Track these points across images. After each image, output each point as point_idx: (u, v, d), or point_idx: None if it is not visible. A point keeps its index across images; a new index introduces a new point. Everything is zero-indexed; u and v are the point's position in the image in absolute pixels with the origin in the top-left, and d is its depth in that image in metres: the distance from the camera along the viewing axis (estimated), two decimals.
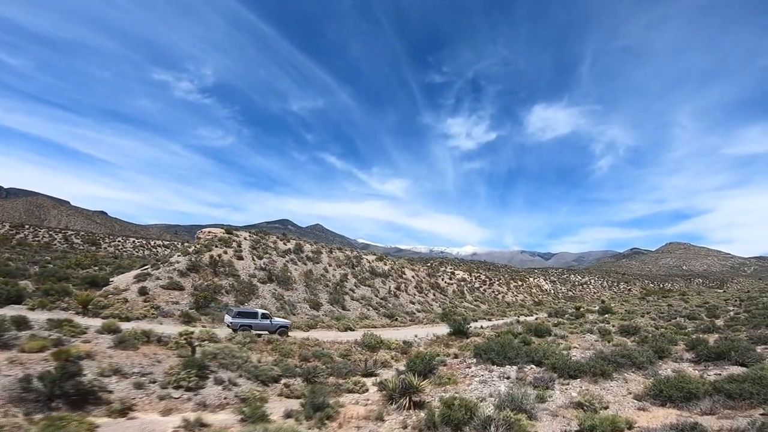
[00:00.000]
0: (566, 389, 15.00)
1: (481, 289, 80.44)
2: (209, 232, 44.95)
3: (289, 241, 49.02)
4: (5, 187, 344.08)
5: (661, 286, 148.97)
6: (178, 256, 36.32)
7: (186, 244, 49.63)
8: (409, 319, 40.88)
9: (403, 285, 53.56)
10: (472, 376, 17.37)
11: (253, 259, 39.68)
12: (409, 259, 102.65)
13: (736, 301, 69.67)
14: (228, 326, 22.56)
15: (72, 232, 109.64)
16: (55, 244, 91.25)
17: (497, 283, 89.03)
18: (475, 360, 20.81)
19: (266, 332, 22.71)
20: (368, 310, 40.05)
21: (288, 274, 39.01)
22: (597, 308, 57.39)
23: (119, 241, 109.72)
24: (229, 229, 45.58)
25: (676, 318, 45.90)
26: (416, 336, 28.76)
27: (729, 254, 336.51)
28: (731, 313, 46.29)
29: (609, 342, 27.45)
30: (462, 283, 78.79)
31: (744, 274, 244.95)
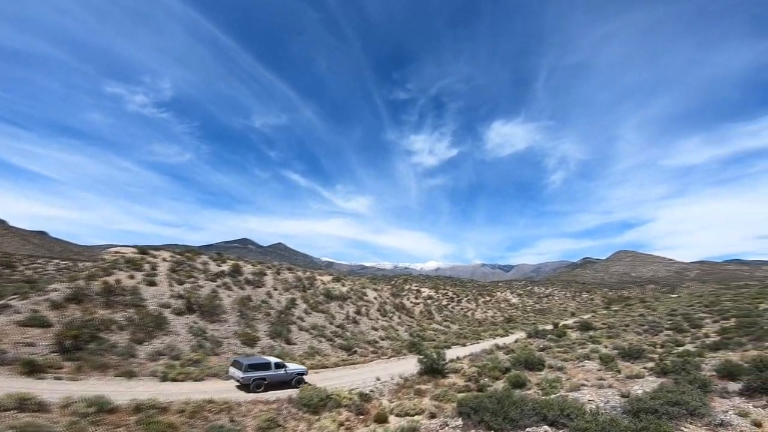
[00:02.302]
0: None
1: (450, 307, 74.90)
2: (116, 251, 35.90)
3: (224, 262, 40.73)
4: None
5: (619, 294, 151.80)
6: (61, 282, 27.36)
7: (83, 264, 39.69)
8: (371, 350, 33.89)
9: (364, 308, 46.53)
10: None
11: (171, 285, 31.27)
12: (371, 278, 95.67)
13: (700, 306, 68.59)
14: (238, 382, 18.56)
15: None
16: None
17: (465, 299, 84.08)
18: (461, 422, 14.39)
19: (280, 384, 19.49)
20: (320, 342, 32.65)
21: (216, 302, 30.92)
22: (574, 323, 53.32)
23: (39, 264, 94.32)
24: (144, 249, 36.74)
25: (661, 330, 42.48)
26: (378, 379, 21.94)
27: (672, 260, 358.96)
28: (708, 321, 43.63)
29: (616, 371, 22.18)
30: (429, 301, 72.89)
31: (687, 278, 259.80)
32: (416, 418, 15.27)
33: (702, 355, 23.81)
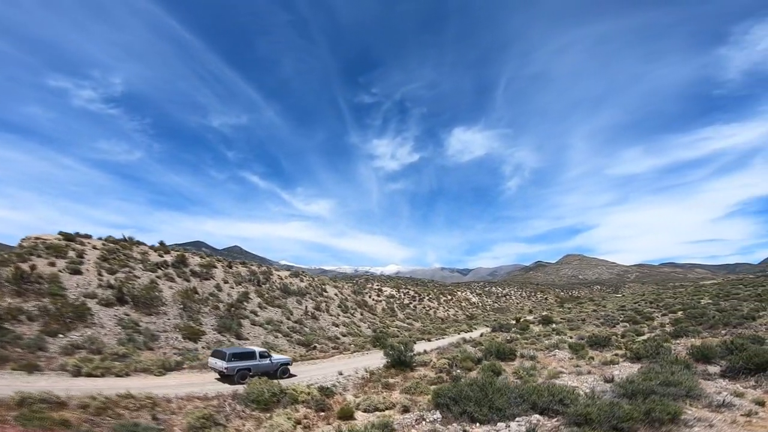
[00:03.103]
0: None
1: (412, 306, 73.67)
2: (37, 237, 30.83)
3: (167, 253, 36.51)
4: None
5: (570, 294, 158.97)
6: None
7: None
8: (332, 345, 31.43)
9: (323, 304, 43.84)
10: None
11: (100, 274, 27.06)
12: (332, 278, 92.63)
13: (645, 303, 72.36)
14: (221, 373, 17.42)
15: None
16: None
17: (427, 298, 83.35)
18: (439, 414, 12.51)
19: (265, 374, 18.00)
20: (276, 337, 29.73)
21: (155, 293, 27.13)
22: (534, 318, 53.80)
23: None
24: (70, 235, 31.89)
25: (617, 322, 43.51)
26: (341, 373, 19.65)
27: (615, 263, 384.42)
28: (658, 315, 45.42)
29: (590, 358, 21.45)
30: (391, 299, 71.22)
31: (629, 279, 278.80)
32: (387, 413, 13.22)
33: (668, 341, 23.77)
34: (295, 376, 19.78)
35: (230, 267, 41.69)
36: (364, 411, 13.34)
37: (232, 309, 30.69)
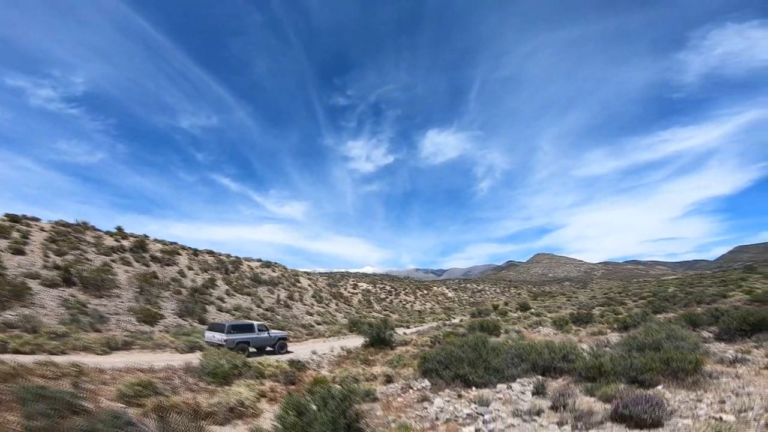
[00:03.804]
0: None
1: (388, 300, 72.42)
2: None
3: (124, 238, 33.52)
4: None
5: (542, 289, 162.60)
6: None
7: None
8: (306, 332, 29.58)
9: (297, 294, 41.81)
10: (450, 419, 7.64)
11: (46, 255, 24.14)
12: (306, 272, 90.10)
13: (614, 293, 74.30)
14: (218, 346, 16.85)
15: None
16: None
17: (404, 292, 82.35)
18: (428, 382, 11.12)
19: (264, 348, 19.36)
20: None
21: (107, 275, 24.45)
22: (512, 306, 53.72)
23: None
24: (16, 217, 28.51)
25: (593, 307, 43.90)
26: (314, 352, 17.98)
27: (582, 261, 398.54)
28: (629, 302, 46.28)
29: (576, 332, 20.80)
30: (368, 293, 69.72)
31: (595, 276, 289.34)
32: (367, 384, 11.74)
33: (650, 314, 23.51)
34: (291, 352, 19.14)
35: (196, 255, 39.01)
36: (341, 384, 11.80)
37: (196, 294, 28.30)
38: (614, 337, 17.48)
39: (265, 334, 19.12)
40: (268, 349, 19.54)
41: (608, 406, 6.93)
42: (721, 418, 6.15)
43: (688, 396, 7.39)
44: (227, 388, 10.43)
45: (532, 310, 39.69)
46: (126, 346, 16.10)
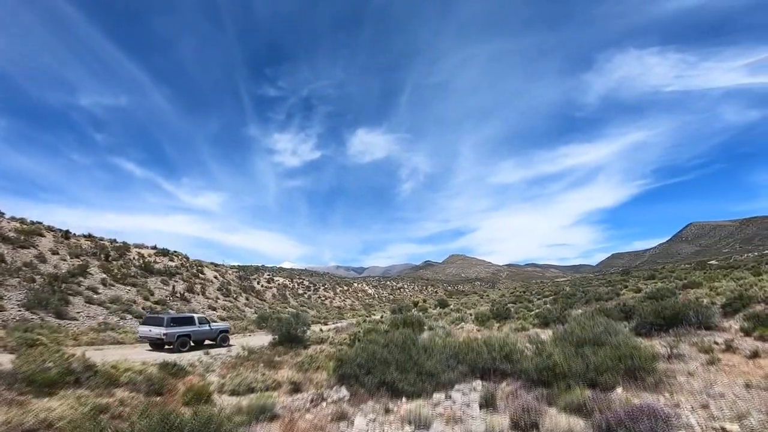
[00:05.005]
0: None
1: (306, 295, 68.78)
2: None
3: None
4: None
5: (456, 288, 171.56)
6: None
7: None
8: None
9: (199, 286, 36.55)
10: None
11: None
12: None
13: (520, 293, 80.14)
14: (157, 341, 15.97)
15: None
16: None
17: (323, 288, 79.22)
18: (346, 392, 8.80)
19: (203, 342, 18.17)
20: (124, 319, 22.54)
21: None
22: (433, 304, 54.19)
23: None
24: None
25: (506, 304, 45.89)
26: (207, 353, 14.58)
27: (491, 263, 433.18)
28: (535, 300, 49.64)
29: (498, 329, 20.31)
30: (284, 288, 65.29)
31: (501, 277, 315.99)
32: (268, 394, 9.05)
33: (568, 309, 24.22)
34: (233, 346, 18.20)
35: (67, 238, 31.74)
36: (232, 394, 8.94)
37: (57, 283, 22.36)
38: (540, 332, 17.05)
39: (206, 327, 18.37)
40: (207, 342, 18.47)
41: (583, 422, 5.35)
42: (723, 429, 4.95)
43: (657, 400, 6.20)
44: (45, 400, 6.94)
45: (451, 307, 39.87)
46: None
